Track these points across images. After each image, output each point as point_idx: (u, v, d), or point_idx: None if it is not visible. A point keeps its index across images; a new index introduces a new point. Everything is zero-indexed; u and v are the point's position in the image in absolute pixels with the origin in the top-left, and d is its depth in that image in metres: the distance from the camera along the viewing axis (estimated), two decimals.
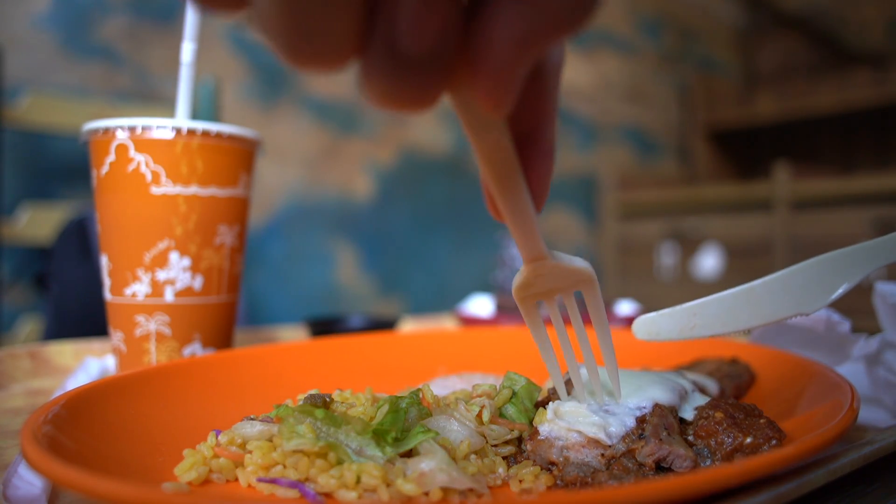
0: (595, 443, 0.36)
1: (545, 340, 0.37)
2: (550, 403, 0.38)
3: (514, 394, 0.41)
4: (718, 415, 0.37)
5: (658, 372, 0.45)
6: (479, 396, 0.41)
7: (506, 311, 0.91)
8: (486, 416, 0.39)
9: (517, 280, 0.34)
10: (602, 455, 0.35)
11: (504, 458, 0.38)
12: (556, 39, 0.21)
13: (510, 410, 0.40)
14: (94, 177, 0.56)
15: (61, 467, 0.27)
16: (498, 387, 0.42)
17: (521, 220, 0.29)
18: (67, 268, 1.31)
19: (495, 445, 0.38)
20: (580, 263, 0.33)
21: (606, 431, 0.36)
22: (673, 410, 0.39)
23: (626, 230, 2.68)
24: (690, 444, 0.36)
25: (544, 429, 0.37)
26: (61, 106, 1.42)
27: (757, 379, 0.50)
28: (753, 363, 0.51)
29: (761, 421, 0.36)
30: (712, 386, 0.46)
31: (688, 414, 0.40)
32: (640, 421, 0.36)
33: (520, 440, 0.40)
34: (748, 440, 0.35)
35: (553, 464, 0.36)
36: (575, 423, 0.36)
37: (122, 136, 0.53)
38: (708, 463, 0.35)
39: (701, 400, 0.42)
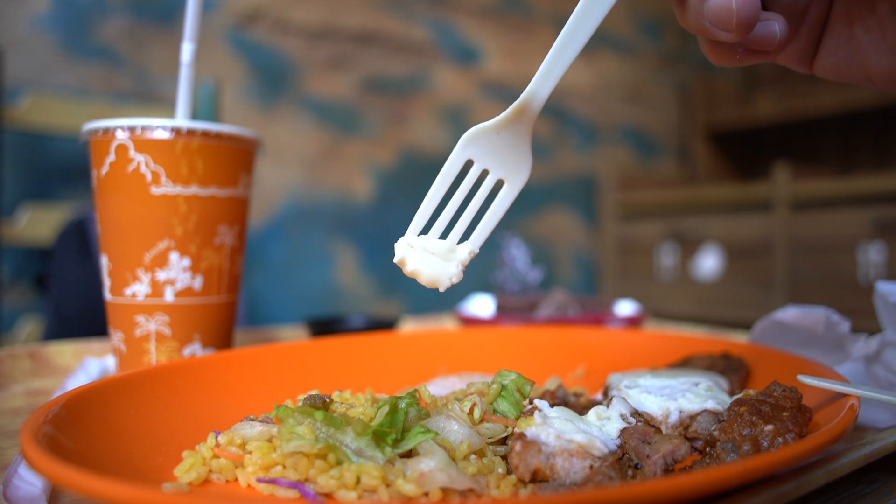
0: (586, 453, 0.35)
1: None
2: (537, 412, 0.37)
3: (503, 388, 0.41)
4: (743, 409, 0.37)
5: (692, 377, 0.46)
6: (472, 394, 0.40)
7: (506, 311, 0.90)
8: (477, 414, 0.38)
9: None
10: (591, 467, 0.34)
11: (503, 457, 0.38)
12: None
13: (503, 406, 0.40)
14: (94, 177, 0.56)
15: (61, 467, 0.27)
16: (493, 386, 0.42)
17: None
18: (67, 268, 1.31)
19: (491, 444, 0.38)
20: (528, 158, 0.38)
21: (600, 443, 0.35)
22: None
23: (625, 231, 2.68)
24: (714, 440, 0.36)
25: (531, 432, 0.36)
26: (61, 106, 1.42)
27: (752, 375, 0.50)
28: (753, 363, 0.51)
29: (784, 414, 0.36)
30: (724, 383, 0.46)
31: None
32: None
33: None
34: (768, 427, 0.35)
35: (536, 472, 0.35)
36: (566, 431, 0.36)
37: (122, 136, 0.53)
38: (732, 457, 0.35)
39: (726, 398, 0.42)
